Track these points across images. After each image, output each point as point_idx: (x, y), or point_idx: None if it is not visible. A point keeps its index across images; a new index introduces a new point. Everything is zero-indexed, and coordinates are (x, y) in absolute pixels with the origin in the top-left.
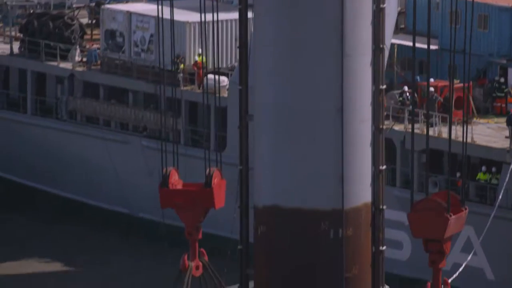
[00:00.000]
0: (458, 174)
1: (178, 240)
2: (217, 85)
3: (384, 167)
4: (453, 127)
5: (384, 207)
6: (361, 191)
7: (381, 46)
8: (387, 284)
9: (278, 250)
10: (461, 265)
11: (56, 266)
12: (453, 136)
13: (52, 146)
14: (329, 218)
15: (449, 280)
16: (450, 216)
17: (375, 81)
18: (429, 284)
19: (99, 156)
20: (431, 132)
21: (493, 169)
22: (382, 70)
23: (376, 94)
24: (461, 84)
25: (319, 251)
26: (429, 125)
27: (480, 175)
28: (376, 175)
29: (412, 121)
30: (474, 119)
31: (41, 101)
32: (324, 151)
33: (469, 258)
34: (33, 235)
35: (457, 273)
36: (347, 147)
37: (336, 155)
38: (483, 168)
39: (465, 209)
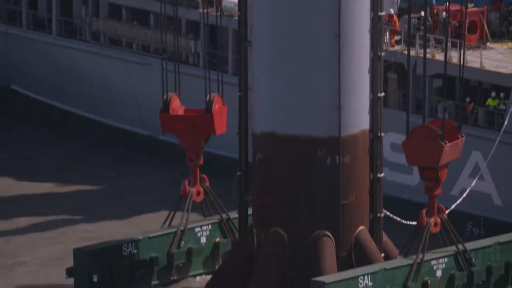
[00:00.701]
0: (468, 100)
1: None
2: (234, 7)
3: (383, 94)
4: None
5: (383, 134)
6: (358, 118)
7: None
8: (396, 209)
9: (275, 177)
10: (470, 190)
11: (67, 179)
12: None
13: (75, 67)
14: (325, 146)
15: (453, 206)
16: (445, 144)
17: (374, 7)
18: (424, 211)
19: (120, 78)
20: (441, 58)
21: (502, 95)
22: None
23: (375, 21)
24: (476, 9)
25: (315, 178)
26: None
27: (490, 101)
28: (374, 102)
29: (408, 45)
30: (488, 44)
31: (67, 22)
32: (322, 78)
33: (473, 183)
34: (50, 150)
35: (462, 197)
36: (344, 74)
37: (333, 82)
38: (493, 94)
39: (462, 136)
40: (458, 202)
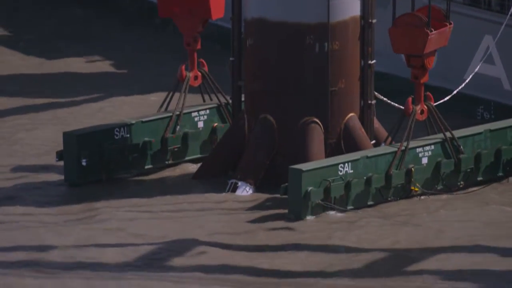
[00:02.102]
0: None
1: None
2: None
3: None
4: None
5: (374, 20)
6: (348, 4)
7: None
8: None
9: (264, 63)
10: (481, 74)
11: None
12: None
13: None
14: (314, 32)
15: (457, 90)
16: (431, 31)
17: None
18: (410, 99)
19: None
20: None
21: None
22: None
23: None
24: None
25: (304, 64)
26: None
27: None
28: None
29: None
30: None
31: None
32: None
33: (478, 66)
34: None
35: (466, 81)
36: None
37: None
38: None
39: (450, 24)
40: (462, 85)
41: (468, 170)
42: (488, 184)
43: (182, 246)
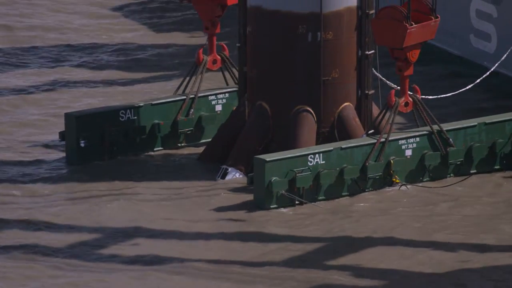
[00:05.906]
0: None
1: None
2: None
3: None
4: None
5: (372, 11)
6: None
7: None
8: (477, 77)
9: (260, 51)
10: None
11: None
12: None
13: None
14: (307, 22)
15: (492, 69)
16: (411, 25)
17: None
18: (393, 91)
19: None
20: None
21: None
22: None
23: None
24: None
25: (296, 53)
26: None
27: None
28: None
29: None
30: None
31: None
32: None
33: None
34: None
35: (500, 60)
36: None
37: None
38: None
39: (437, 17)
40: (496, 66)
41: (458, 163)
42: (468, 177)
43: (136, 231)
